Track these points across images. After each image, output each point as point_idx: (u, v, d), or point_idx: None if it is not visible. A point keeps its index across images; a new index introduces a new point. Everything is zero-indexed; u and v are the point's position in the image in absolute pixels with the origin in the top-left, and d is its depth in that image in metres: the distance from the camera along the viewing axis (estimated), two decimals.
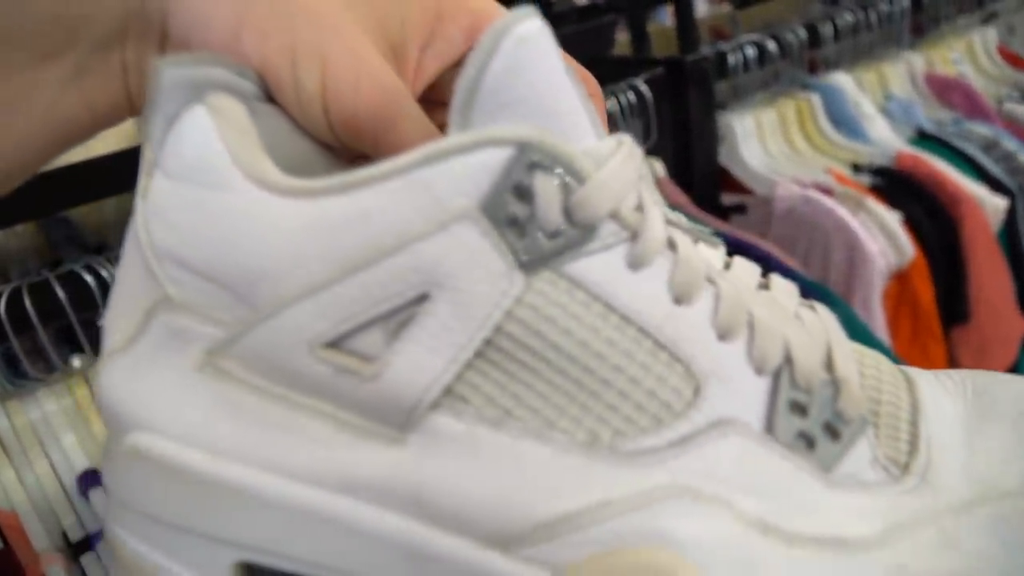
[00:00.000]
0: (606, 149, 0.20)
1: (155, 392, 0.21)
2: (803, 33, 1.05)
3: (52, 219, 1.08)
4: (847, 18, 1.09)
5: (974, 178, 1.03)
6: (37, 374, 0.71)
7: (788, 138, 1.07)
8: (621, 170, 0.20)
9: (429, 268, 0.19)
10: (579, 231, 0.19)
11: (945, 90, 1.17)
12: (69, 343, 0.76)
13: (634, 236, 0.20)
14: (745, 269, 0.23)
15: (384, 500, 0.19)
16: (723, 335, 0.20)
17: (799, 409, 0.20)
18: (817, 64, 1.17)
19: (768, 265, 0.85)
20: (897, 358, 0.91)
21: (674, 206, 0.95)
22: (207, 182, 0.20)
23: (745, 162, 1.03)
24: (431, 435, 0.19)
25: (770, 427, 0.20)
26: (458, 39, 0.25)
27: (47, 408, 0.69)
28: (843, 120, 1.09)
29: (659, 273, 0.20)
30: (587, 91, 0.21)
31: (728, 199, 1.05)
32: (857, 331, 0.86)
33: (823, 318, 0.22)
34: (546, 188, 0.19)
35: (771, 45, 1.02)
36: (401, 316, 0.19)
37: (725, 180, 1.04)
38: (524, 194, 0.19)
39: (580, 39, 0.91)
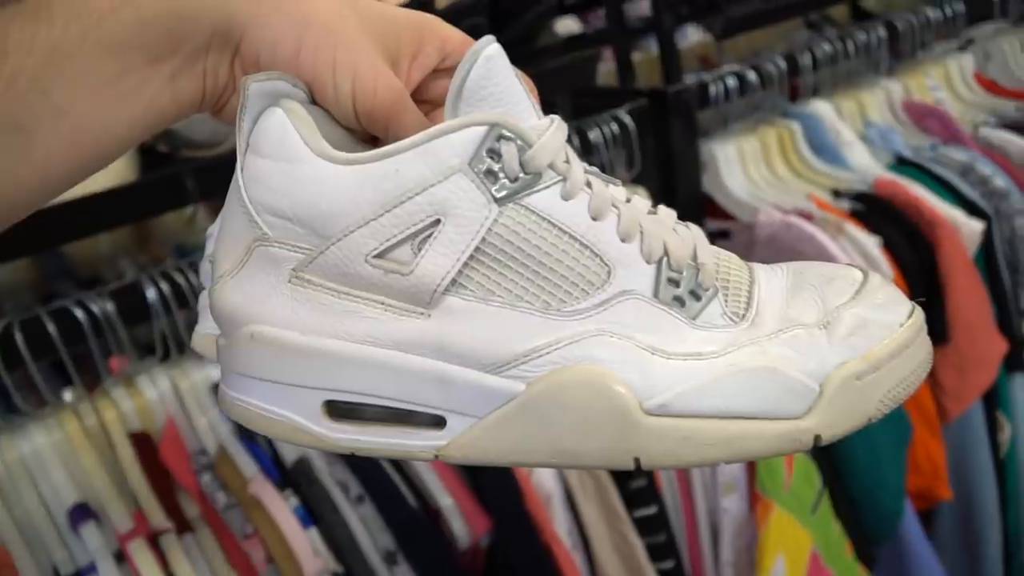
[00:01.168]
0: (544, 125, 0.31)
1: (260, 297, 0.32)
2: (782, 63, 1.07)
3: (45, 253, 1.09)
4: (825, 48, 1.12)
5: (951, 202, 1.05)
6: (28, 408, 0.71)
7: (770, 165, 1.09)
8: (554, 137, 0.31)
9: (439, 203, 0.30)
10: (531, 177, 0.31)
11: (922, 116, 1.20)
12: (61, 377, 0.77)
13: (564, 179, 0.31)
14: (641, 200, 0.33)
15: (419, 350, 0.31)
16: (624, 239, 0.31)
17: (673, 283, 0.32)
18: (800, 90, 1.19)
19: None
20: None
21: None
22: (287, 157, 0.31)
23: (728, 189, 1.05)
24: (445, 309, 0.31)
25: (656, 293, 0.32)
26: (434, 56, 0.35)
27: (37, 442, 0.69)
28: (823, 147, 1.11)
29: (582, 201, 0.31)
30: (529, 87, 0.32)
31: (712, 225, 1.07)
32: None
33: (692, 231, 0.34)
34: (508, 150, 0.30)
35: (751, 75, 1.05)
36: (423, 235, 0.31)
37: (709, 207, 1.06)
38: (495, 155, 0.30)
39: (563, 73, 0.93)
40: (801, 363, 0.30)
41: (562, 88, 0.98)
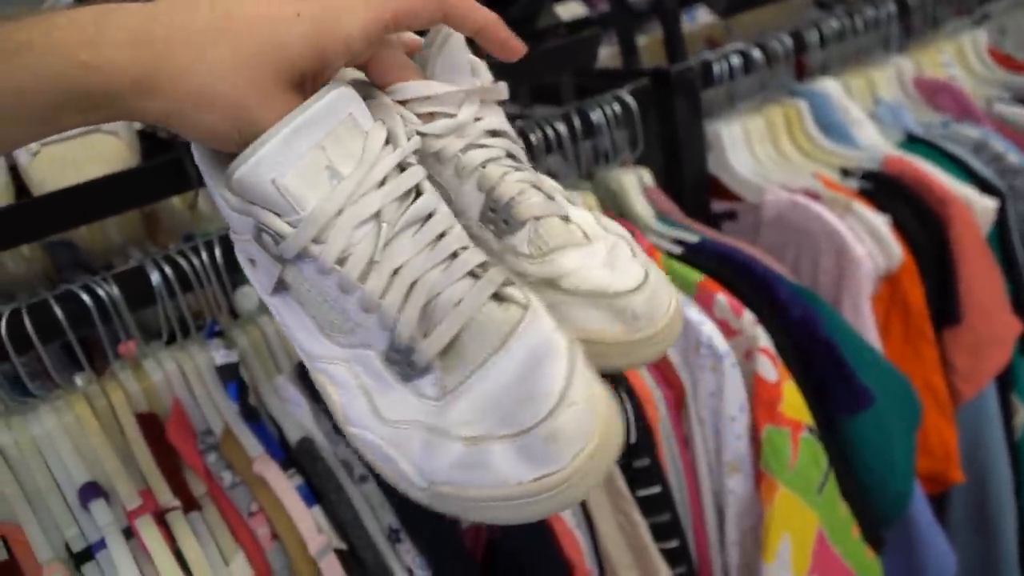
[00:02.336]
0: (307, 214, 0.36)
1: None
2: (789, 41, 1.06)
3: (57, 244, 1.11)
4: (833, 24, 1.11)
5: (963, 180, 1.04)
6: (40, 392, 0.73)
7: (776, 144, 1.08)
8: (305, 231, 0.37)
9: (250, 253, 0.40)
10: (289, 259, 0.38)
11: (934, 93, 1.18)
12: (72, 361, 0.79)
13: (315, 259, 0.38)
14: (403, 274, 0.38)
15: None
16: (365, 310, 0.38)
17: (397, 352, 0.38)
18: (808, 69, 1.18)
19: (755, 272, 0.87)
20: (889, 361, 0.92)
21: (663, 214, 0.97)
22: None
23: (734, 169, 1.04)
24: (285, 294, 0.41)
25: (386, 356, 0.38)
26: (342, 62, 0.39)
27: (48, 424, 0.71)
28: (831, 126, 1.10)
29: (332, 278, 0.38)
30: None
31: (718, 206, 1.06)
32: (845, 336, 0.86)
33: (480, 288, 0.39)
34: (267, 241, 0.38)
35: (756, 53, 1.04)
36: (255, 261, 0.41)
37: (714, 187, 1.06)
38: (263, 238, 0.38)
39: (564, 54, 0.93)
40: (415, 464, 0.37)
41: (563, 69, 0.98)
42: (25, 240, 0.77)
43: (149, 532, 0.64)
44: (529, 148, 0.88)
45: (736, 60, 1.02)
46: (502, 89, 0.46)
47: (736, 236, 0.98)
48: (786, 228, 0.98)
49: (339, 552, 0.66)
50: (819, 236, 0.95)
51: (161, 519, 0.67)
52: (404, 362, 0.37)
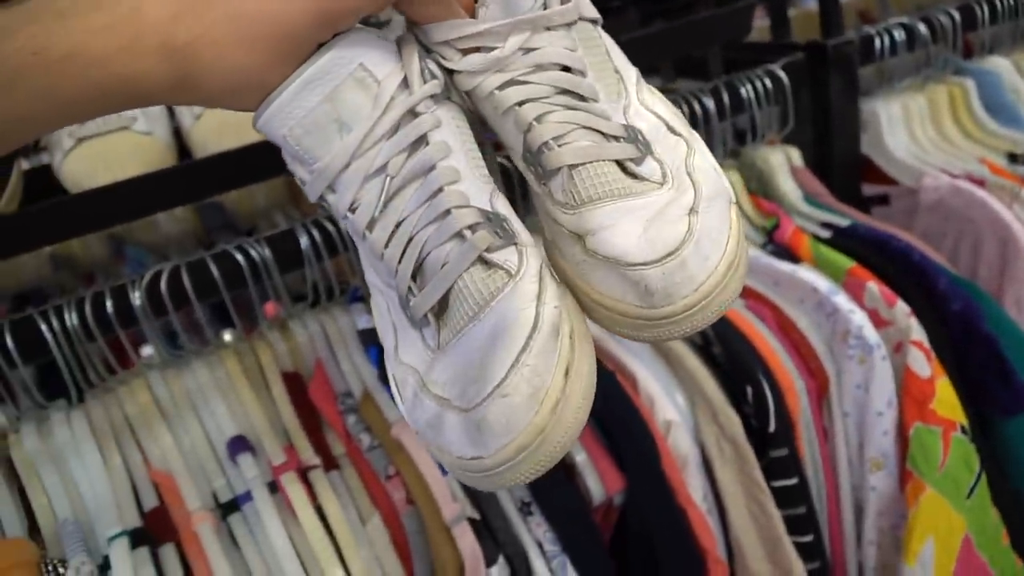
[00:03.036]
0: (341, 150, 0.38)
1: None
2: (956, 15, 0.99)
3: (207, 206, 1.16)
4: None
5: None
6: (192, 347, 0.76)
7: (938, 126, 1.01)
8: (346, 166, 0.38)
9: None
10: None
11: None
12: (221, 319, 0.82)
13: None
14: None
15: None
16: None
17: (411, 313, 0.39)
18: (974, 47, 1.10)
19: (911, 260, 0.81)
20: None
21: (811, 196, 0.92)
22: None
23: (890, 151, 0.98)
24: None
25: (403, 304, 0.40)
26: None
27: (201, 378, 0.74)
28: (999, 107, 1.02)
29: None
30: None
31: (869, 189, 1.01)
32: (1007, 330, 0.80)
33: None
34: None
35: (921, 28, 0.97)
36: None
37: (867, 170, 1.00)
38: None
39: (715, 25, 0.89)
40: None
41: (714, 42, 0.95)
42: (181, 202, 0.80)
43: (293, 488, 0.67)
44: None
45: (899, 34, 0.96)
46: (567, 11, 0.40)
47: (887, 222, 0.92)
48: (946, 215, 0.92)
49: (472, 521, 0.66)
50: (982, 224, 0.89)
51: (304, 476, 0.69)
52: (409, 311, 0.38)
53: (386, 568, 0.67)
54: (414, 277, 0.38)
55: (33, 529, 0.70)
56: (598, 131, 0.40)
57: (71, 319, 0.68)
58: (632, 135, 0.41)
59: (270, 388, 0.75)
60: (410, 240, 0.37)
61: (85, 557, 0.64)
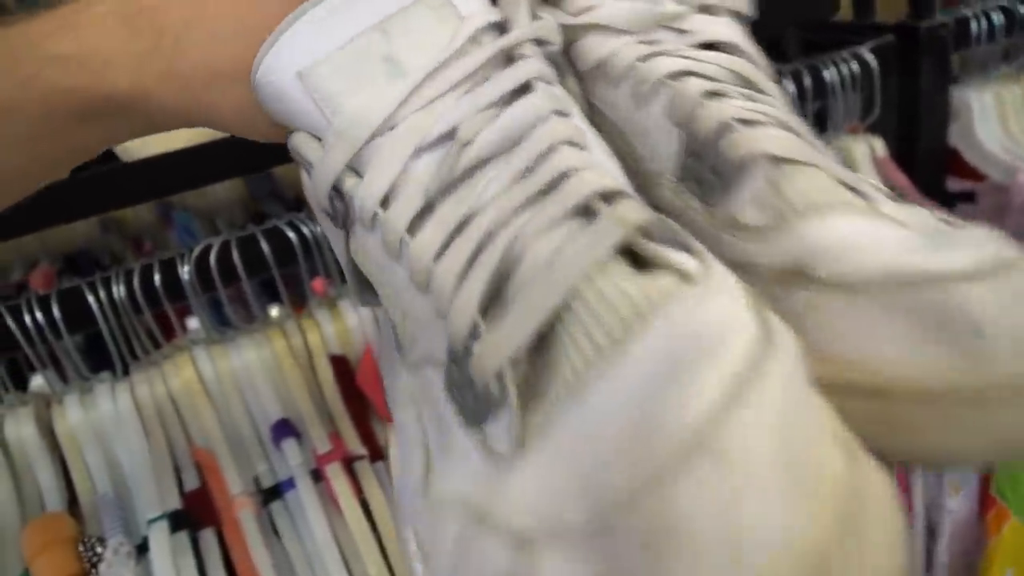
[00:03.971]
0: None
1: None
2: None
3: (255, 175, 1.14)
4: None
5: None
6: (237, 322, 0.74)
7: None
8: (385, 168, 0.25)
9: None
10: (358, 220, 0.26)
11: None
12: (270, 293, 0.80)
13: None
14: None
15: None
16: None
17: (455, 389, 0.23)
18: None
19: None
20: None
21: (893, 188, 0.86)
22: None
23: (981, 143, 0.91)
24: None
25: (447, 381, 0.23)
26: None
27: (247, 356, 0.72)
28: None
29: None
30: None
31: (954, 185, 0.94)
32: None
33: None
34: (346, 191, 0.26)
35: (1023, 10, 0.90)
36: None
37: (954, 163, 0.93)
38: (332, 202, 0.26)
39: (798, 3, 0.83)
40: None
41: (797, 21, 0.89)
42: (232, 175, 0.77)
43: (338, 480, 0.64)
44: None
45: (998, 18, 0.89)
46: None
47: (973, 220, 0.86)
48: None
49: None
50: None
51: (349, 467, 0.66)
52: (464, 382, 0.22)
53: None
54: (487, 305, 0.22)
55: (73, 503, 0.68)
56: (795, 131, 0.27)
57: (118, 291, 0.66)
58: (837, 154, 0.28)
59: (316, 371, 0.72)
60: (487, 238, 0.22)
61: (123, 538, 0.62)
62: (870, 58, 0.83)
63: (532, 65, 0.25)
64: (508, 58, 0.25)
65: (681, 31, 0.29)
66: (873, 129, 0.88)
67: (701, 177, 0.27)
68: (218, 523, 0.65)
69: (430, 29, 0.24)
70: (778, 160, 0.25)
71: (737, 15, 0.30)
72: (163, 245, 1.14)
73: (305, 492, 0.64)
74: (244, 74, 0.25)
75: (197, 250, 0.68)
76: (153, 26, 0.25)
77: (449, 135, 0.23)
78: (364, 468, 0.66)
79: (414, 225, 0.23)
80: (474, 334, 0.21)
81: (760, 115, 0.27)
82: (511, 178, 0.23)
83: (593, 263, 0.20)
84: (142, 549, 0.63)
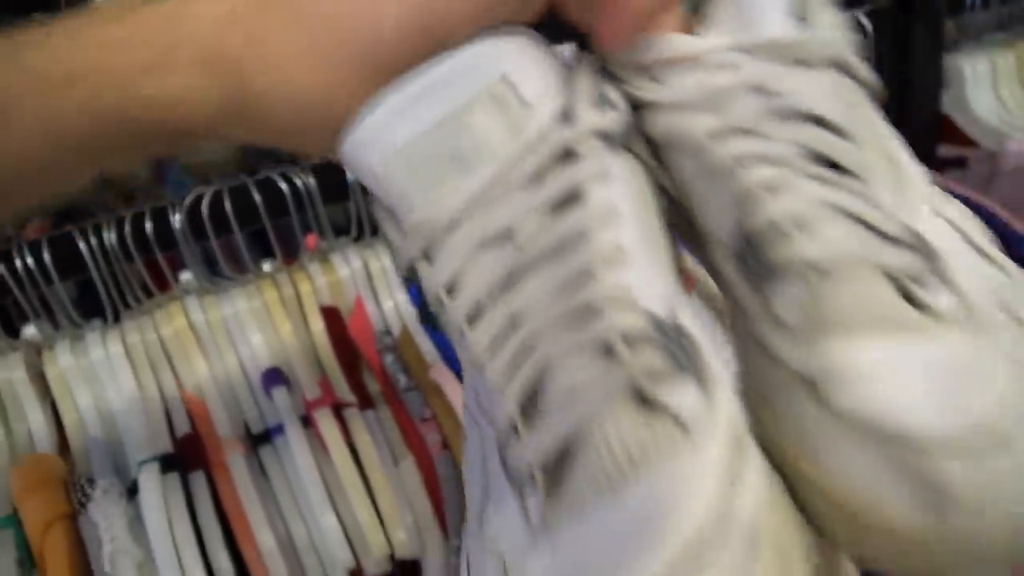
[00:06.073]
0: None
1: None
2: None
3: None
4: None
5: None
6: (231, 273, 0.74)
7: None
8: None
9: None
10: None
11: None
12: (262, 247, 0.80)
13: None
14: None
15: None
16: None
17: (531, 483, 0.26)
18: None
19: (993, 226, 0.76)
20: None
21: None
22: None
23: (972, 110, 0.92)
24: None
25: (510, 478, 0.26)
26: None
27: (239, 306, 0.72)
28: None
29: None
30: None
31: (946, 151, 0.95)
32: None
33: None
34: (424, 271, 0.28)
35: None
36: None
37: (947, 130, 0.94)
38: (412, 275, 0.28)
39: None
40: None
41: None
42: None
43: (327, 424, 0.65)
44: None
45: None
46: (835, 41, 0.28)
47: (963, 187, 0.86)
48: None
49: None
50: None
51: (338, 413, 0.67)
52: (506, 456, 0.25)
53: (416, 510, 0.65)
54: (524, 409, 0.25)
55: (64, 448, 0.69)
56: (866, 223, 0.26)
57: (110, 238, 0.66)
58: (919, 242, 0.26)
59: (308, 321, 0.73)
60: (528, 349, 0.25)
61: (114, 478, 0.63)
62: (866, 22, 0.83)
63: (587, 167, 0.25)
64: (569, 153, 0.26)
65: (767, 93, 0.27)
66: None
67: (749, 262, 0.27)
68: (208, 466, 0.66)
69: (494, 121, 0.25)
70: (822, 269, 0.25)
71: (840, 65, 0.28)
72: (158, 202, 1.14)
73: (294, 436, 0.65)
74: (320, 139, 0.27)
75: (189, 199, 0.68)
76: (234, 76, 0.26)
77: (507, 233, 0.25)
78: (353, 415, 0.67)
79: (472, 318, 0.26)
80: (514, 430, 0.25)
81: (827, 208, 0.26)
82: (552, 292, 0.25)
83: (610, 403, 0.23)
84: (132, 491, 0.63)
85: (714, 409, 0.24)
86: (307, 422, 0.67)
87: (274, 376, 0.70)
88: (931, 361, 0.24)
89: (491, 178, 0.25)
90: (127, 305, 0.72)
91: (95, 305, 0.72)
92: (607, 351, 0.24)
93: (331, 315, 0.73)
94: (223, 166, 1.11)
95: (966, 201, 0.78)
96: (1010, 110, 0.93)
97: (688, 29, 0.28)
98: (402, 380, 0.70)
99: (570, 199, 0.25)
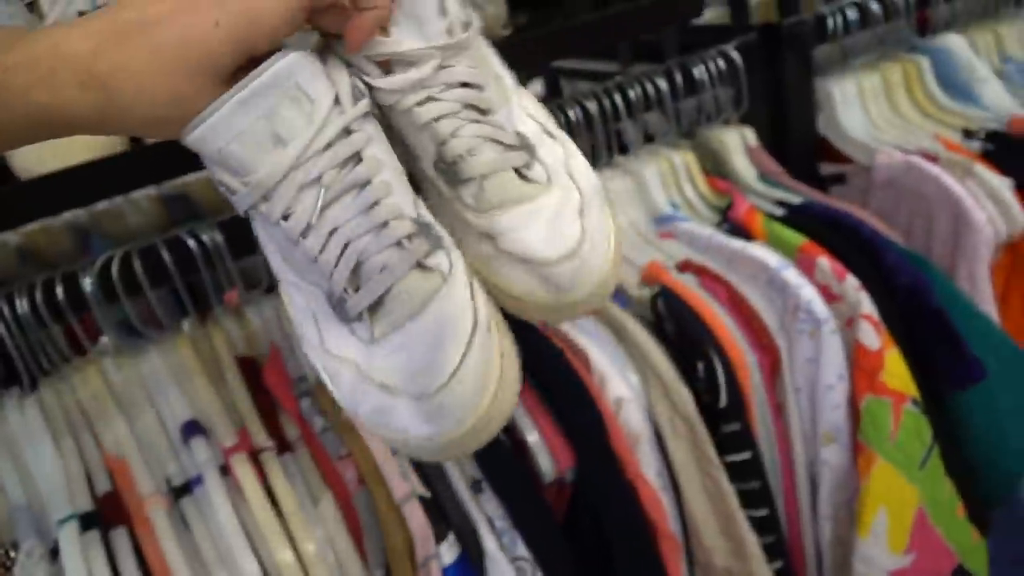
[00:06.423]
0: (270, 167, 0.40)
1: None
2: None
3: (173, 197, 1.16)
4: None
5: None
6: (148, 333, 0.76)
7: (893, 104, 1.02)
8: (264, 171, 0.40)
9: None
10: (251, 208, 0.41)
11: None
12: (179, 307, 0.82)
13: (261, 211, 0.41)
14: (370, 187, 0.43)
15: None
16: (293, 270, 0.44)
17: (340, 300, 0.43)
18: (930, 23, 1.10)
19: (862, 236, 0.82)
20: (1006, 333, 0.86)
21: (766, 175, 0.93)
22: None
23: (845, 130, 0.99)
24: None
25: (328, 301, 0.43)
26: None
27: (155, 363, 0.74)
28: (954, 85, 1.03)
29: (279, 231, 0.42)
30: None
31: (826, 169, 1.01)
32: (958, 305, 0.81)
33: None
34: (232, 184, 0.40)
35: (874, 6, 0.98)
36: None
37: (823, 149, 1.01)
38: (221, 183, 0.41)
39: (666, 6, 0.90)
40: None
41: (666, 23, 0.95)
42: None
43: (243, 469, 0.67)
44: (628, 105, 0.86)
45: (852, 13, 0.97)
46: (470, 39, 0.45)
47: (844, 201, 0.93)
48: (899, 192, 0.93)
49: (422, 499, 0.67)
50: (934, 200, 0.90)
51: (255, 458, 0.69)
52: (340, 308, 0.42)
53: (338, 547, 0.67)
54: (350, 280, 0.41)
55: None
56: (500, 142, 0.45)
57: (21, 306, 0.68)
58: (523, 142, 0.46)
59: (224, 373, 0.75)
60: (346, 246, 0.40)
61: (36, 541, 0.64)
62: (735, 55, 0.90)
63: (359, 138, 0.41)
64: (347, 131, 0.41)
65: (440, 74, 0.44)
66: (746, 120, 0.95)
67: (446, 172, 0.45)
68: (130, 522, 0.67)
69: (294, 112, 0.39)
70: (484, 176, 0.45)
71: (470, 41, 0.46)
72: None
73: (212, 485, 0.67)
74: (173, 130, 0.38)
75: (99, 262, 0.70)
76: (102, 92, 0.36)
77: (317, 180, 0.40)
78: (270, 459, 0.69)
79: (304, 232, 0.40)
80: (345, 291, 0.41)
81: (480, 139, 0.45)
82: (354, 212, 0.40)
83: (404, 272, 0.41)
84: (55, 552, 0.65)
85: (455, 264, 0.42)
86: (226, 470, 0.69)
87: (192, 428, 0.72)
88: (541, 213, 0.45)
89: (301, 148, 0.39)
90: (44, 371, 0.74)
91: (12, 373, 0.74)
92: (399, 244, 0.41)
93: (247, 365, 0.76)
94: (147, 233, 1.13)
95: (841, 216, 0.85)
96: (879, 127, 1.00)
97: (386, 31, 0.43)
98: (319, 422, 0.72)
99: (352, 158, 0.41)
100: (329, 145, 0.40)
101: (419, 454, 0.43)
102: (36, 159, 0.72)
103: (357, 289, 0.41)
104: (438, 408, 0.40)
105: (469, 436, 0.41)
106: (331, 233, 0.40)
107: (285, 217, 0.40)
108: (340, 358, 0.42)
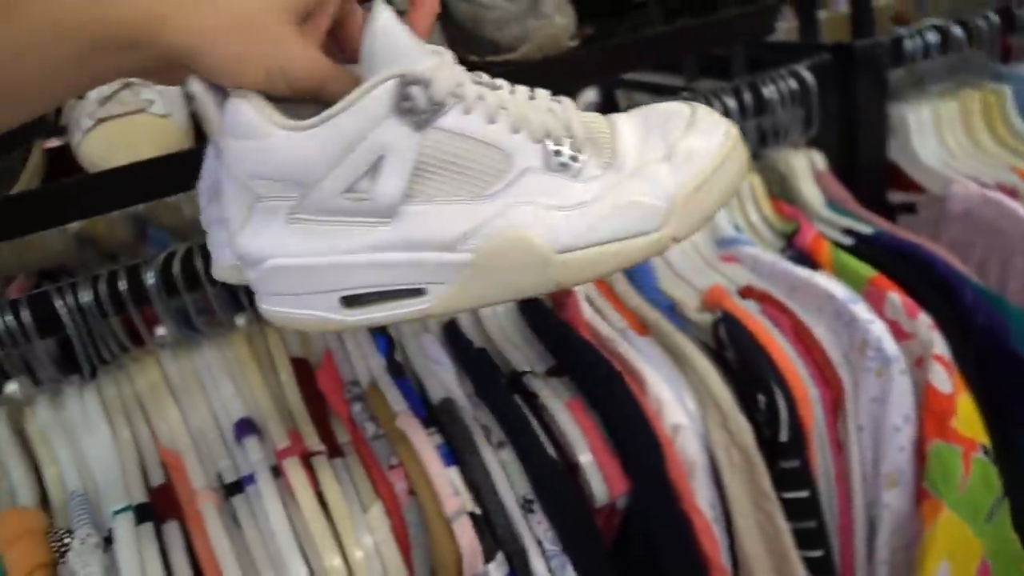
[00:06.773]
0: (434, 63, 0.42)
1: (269, 239, 0.44)
2: (994, 18, 0.96)
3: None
4: None
5: None
6: (205, 328, 0.77)
7: (970, 133, 0.99)
8: (443, 71, 0.42)
9: (379, 144, 0.42)
10: (437, 106, 0.42)
11: None
12: (232, 302, 0.82)
13: (462, 99, 0.43)
14: (521, 91, 0.46)
15: (389, 247, 0.44)
16: (514, 131, 0.44)
17: (556, 154, 0.45)
18: (1014, 51, 1.07)
19: (935, 271, 0.79)
20: None
21: (834, 202, 0.91)
22: (256, 135, 0.41)
23: (918, 157, 0.96)
24: (403, 215, 0.43)
25: (546, 165, 0.44)
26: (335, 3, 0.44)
27: (211, 358, 0.75)
28: None
29: (479, 112, 0.43)
30: (420, 27, 0.47)
31: (896, 197, 0.98)
32: None
33: (565, 105, 0.47)
34: (416, 91, 0.41)
35: (956, 30, 0.95)
36: (374, 168, 0.42)
37: (894, 176, 0.98)
38: (407, 97, 0.41)
39: (737, 23, 0.87)
40: (652, 192, 0.44)
41: (736, 40, 0.93)
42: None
43: (295, 472, 0.67)
44: None
45: (932, 37, 0.94)
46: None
47: (914, 231, 0.90)
48: (974, 225, 0.90)
49: (472, 515, 0.66)
50: (1013, 236, 0.86)
51: (307, 461, 0.69)
52: (567, 158, 0.44)
53: (385, 557, 0.67)
54: (565, 131, 0.46)
55: (44, 501, 0.71)
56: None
57: (85, 296, 0.69)
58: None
59: (278, 373, 0.75)
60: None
61: (91, 529, 0.65)
62: (807, 75, 0.88)
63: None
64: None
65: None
66: (815, 144, 0.92)
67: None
68: (182, 516, 0.67)
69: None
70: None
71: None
72: None
73: (264, 485, 0.67)
74: (253, 31, 0.38)
75: (162, 257, 0.71)
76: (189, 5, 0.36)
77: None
78: (321, 463, 0.69)
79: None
80: (560, 147, 0.46)
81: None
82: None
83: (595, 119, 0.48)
84: (110, 541, 0.65)
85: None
86: (278, 471, 0.69)
87: (245, 426, 0.72)
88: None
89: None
90: (104, 361, 0.74)
91: (75, 361, 0.74)
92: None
93: (301, 366, 0.76)
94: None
95: (914, 248, 0.82)
96: (955, 155, 0.97)
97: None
98: (370, 428, 0.72)
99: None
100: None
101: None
102: (103, 153, 0.73)
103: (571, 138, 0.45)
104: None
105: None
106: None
107: (481, 97, 0.43)
108: (586, 201, 0.44)
